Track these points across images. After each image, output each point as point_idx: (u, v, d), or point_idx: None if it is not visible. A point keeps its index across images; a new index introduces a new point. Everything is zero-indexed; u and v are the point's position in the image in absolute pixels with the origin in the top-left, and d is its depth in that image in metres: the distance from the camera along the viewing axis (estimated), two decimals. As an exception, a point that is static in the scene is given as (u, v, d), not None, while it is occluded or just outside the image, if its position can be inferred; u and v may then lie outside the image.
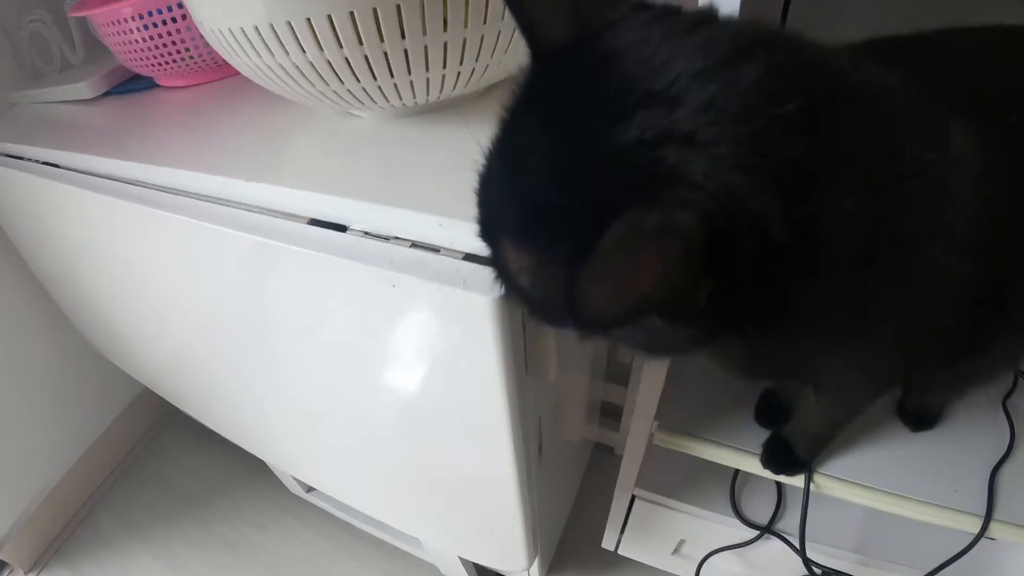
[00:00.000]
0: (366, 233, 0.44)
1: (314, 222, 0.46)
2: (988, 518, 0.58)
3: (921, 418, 0.66)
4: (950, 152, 0.31)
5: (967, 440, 0.64)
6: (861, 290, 0.32)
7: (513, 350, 0.40)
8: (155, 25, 0.69)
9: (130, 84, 0.82)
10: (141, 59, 0.72)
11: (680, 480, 0.78)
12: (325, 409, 0.65)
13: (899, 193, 0.29)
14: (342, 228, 0.45)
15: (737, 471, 0.78)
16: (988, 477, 0.60)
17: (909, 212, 0.30)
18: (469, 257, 0.39)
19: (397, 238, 0.42)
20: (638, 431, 0.65)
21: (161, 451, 1.37)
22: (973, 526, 0.58)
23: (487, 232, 0.32)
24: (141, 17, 0.68)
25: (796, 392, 0.62)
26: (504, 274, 0.32)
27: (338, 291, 0.46)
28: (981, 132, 0.32)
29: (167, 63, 0.72)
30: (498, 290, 0.36)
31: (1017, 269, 0.37)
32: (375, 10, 0.40)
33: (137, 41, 0.70)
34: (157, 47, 0.70)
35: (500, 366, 0.41)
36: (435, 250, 0.40)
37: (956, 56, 0.41)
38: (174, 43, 0.70)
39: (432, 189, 0.43)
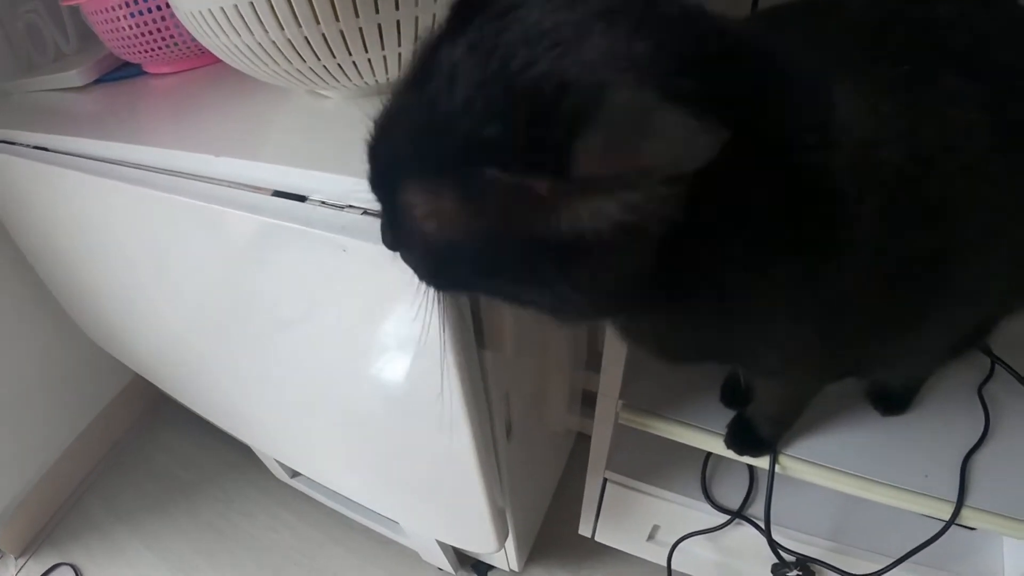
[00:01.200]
0: (323, 203, 0.45)
1: (277, 193, 0.48)
2: (960, 504, 0.58)
3: (890, 403, 0.66)
4: (836, 116, 0.31)
5: (940, 426, 0.64)
6: (769, 270, 0.33)
7: (460, 316, 0.42)
8: (142, 13, 0.71)
9: (119, 72, 0.84)
10: (129, 46, 0.75)
11: (652, 463, 0.79)
12: (297, 385, 0.66)
13: (792, 162, 0.30)
14: (302, 199, 0.46)
15: (709, 454, 0.79)
16: (960, 463, 0.60)
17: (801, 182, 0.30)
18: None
19: (351, 206, 0.44)
20: (604, 410, 0.66)
21: (151, 438, 1.39)
22: (944, 512, 0.58)
23: (384, 182, 0.31)
24: (129, 5, 0.71)
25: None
26: (402, 226, 0.31)
27: (298, 259, 0.48)
28: (870, 92, 0.32)
29: (154, 50, 0.74)
30: (387, 247, 0.35)
31: (942, 240, 0.37)
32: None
33: (125, 29, 0.73)
34: (144, 35, 0.72)
35: (448, 333, 0.42)
36: (386, 216, 0.42)
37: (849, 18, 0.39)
38: (160, 31, 0.72)
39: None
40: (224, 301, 0.62)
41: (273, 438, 0.91)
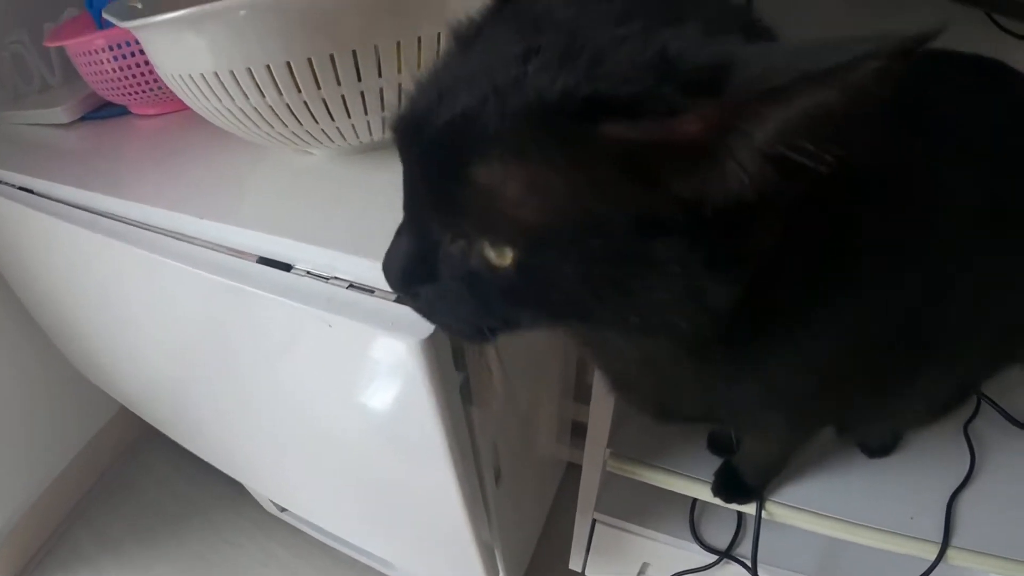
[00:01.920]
0: (309, 272, 0.45)
1: (263, 260, 0.48)
2: (945, 545, 0.58)
3: (875, 446, 0.67)
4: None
5: (926, 466, 0.65)
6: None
7: (445, 389, 0.42)
8: (125, 57, 0.70)
9: (104, 110, 0.84)
10: (113, 88, 0.74)
11: (641, 504, 0.79)
12: (289, 436, 0.66)
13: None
14: (288, 267, 0.46)
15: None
16: (946, 503, 0.61)
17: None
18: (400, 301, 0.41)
19: (337, 278, 0.43)
20: (592, 458, 0.66)
21: (140, 467, 1.37)
22: (930, 553, 0.58)
23: (435, 170, 0.25)
24: (112, 49, 0.70)
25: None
26: (461, 233, 0.26)
27: (284, 328, 0.48)
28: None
29: (138, 93, 0.74)
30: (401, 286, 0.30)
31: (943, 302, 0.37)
32: (310, 60, 0.42)
33: (109, 72, 0.72)
34: (128, 78, 0.72)
35: (432, 404, 0.42)
36: (370, 291, 0.42)
37: None
38: (143, 75, 0.72)
39: (371, 230, 0.45)
40: (209, 354, 0.62)
41: (261, 477, 0.91)
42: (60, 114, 0.83)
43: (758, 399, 0.39)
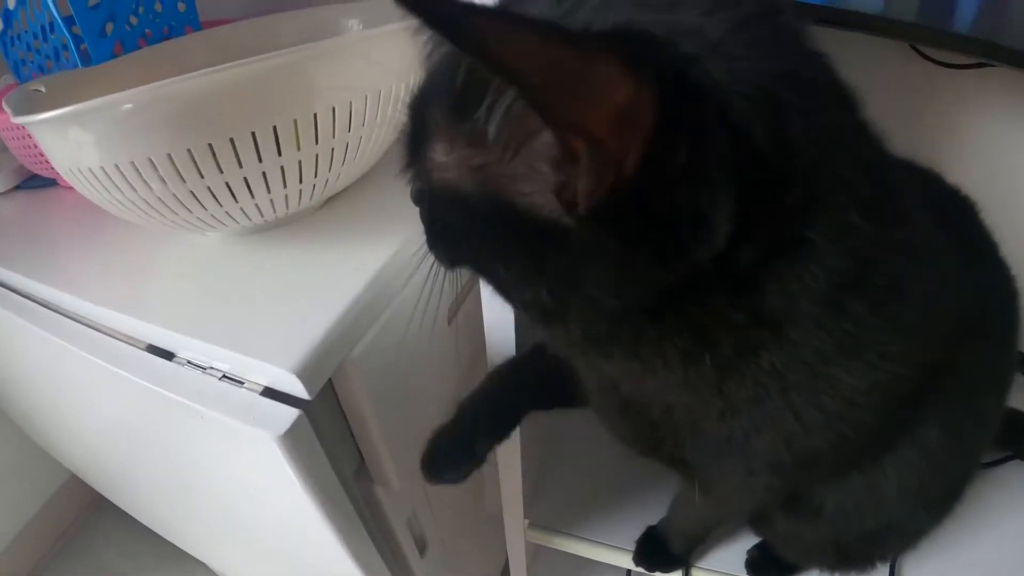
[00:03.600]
0: (189, 362, 0.45)
1: (151, 348, 0.48)
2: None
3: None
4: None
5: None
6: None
7: (316, 479, 0.41)
8: (48, 133, 0.71)
9: (36, 179, 0.84)
10: (37, 163, 0.75)
11: (576, 567, 0.77)
12: (205, 514, 0.65)
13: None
14: (171, 355, 0.46)
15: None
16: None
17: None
18: (268, 392, 0.40)
19: (213, 368, 0.43)
20: (512, 531, 0.65)
21: (95, 532, 1.33)
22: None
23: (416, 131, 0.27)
24: (34, 126, 0.71)
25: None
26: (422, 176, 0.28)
27: (168, 415, 0.47)
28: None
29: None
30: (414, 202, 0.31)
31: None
32: (189, 150, 0.43)
33: (32, 147, 0.72)
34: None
35: (308, 496, 0.42)
36: (240, 383, 0.42)
37: None
38: (67, 151, 0.72)
39: (249, 321, 0.45)
40: (121, 434, 0.61)
41: (203, 551, 0.89)
42: (-2, 182, 0.83)
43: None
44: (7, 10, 0.68)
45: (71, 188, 0.80)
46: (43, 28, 0.66)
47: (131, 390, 0.49)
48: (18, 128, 0.72)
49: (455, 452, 0.47)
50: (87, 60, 0.64)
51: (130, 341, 0.49)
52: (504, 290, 0.29)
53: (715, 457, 0.37)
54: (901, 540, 0.53)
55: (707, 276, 0.24)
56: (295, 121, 0.45)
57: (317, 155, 0.48)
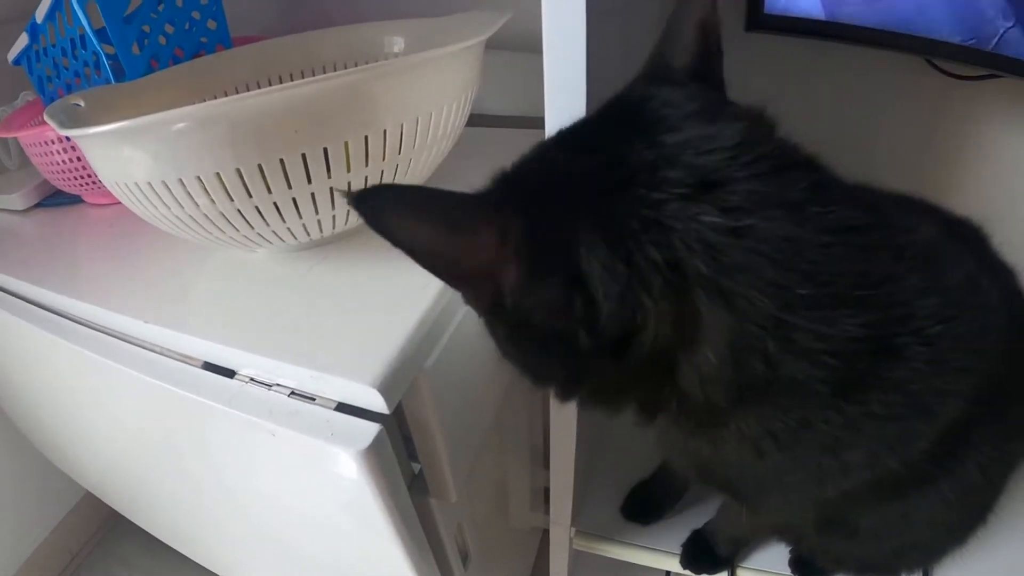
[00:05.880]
0: (252, 379, 0.44)
1: (208, 365, 0.47)
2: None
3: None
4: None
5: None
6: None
7: (391, 494, 0.41)
8: (75, 148, 0.70)
9: (59, 197, 0.83)
10: (64, 179, 0.74)
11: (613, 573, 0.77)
12: (247, 536, 0.65)
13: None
14: (231, 373, 0.46)
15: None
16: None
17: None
18: (341, 407, 0.40)
19: (279, 385, 0.43)
20: (558, 538, 0.65)
21: (110, 552, 1.32)
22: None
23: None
24: (62, 140, 0.70)
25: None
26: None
27: (228, 434, 0.47)
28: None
29: (89, 184, 0.73)
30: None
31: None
32: (238, 170, 0.42)
33: (60, 163, 0.72)
34: (78, 170, 0.72)
35: (381, 510, 0.41)
36: (311, 399, 0.41)
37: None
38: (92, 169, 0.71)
39: (314, 336, 0.45)
40: (159, 453, 0.61)
41: (227, 568, 0.88)
42: (16, 200, 0.82)
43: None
44: (34, 24, 0.68)
45: (96, 205, 0.79)
46: (72, 42, 0.66)
47: (182, 408, 0.49)
48: (44, 144, 0.71)
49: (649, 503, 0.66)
50: (120, 75, 0.64)
51: (185, 360, 0.48)
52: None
53: (759, 492, 0.41)
54: (924, 557, 0.55)
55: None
56: (346, 143, 0.45)
57: (367, 176, 0.48)
